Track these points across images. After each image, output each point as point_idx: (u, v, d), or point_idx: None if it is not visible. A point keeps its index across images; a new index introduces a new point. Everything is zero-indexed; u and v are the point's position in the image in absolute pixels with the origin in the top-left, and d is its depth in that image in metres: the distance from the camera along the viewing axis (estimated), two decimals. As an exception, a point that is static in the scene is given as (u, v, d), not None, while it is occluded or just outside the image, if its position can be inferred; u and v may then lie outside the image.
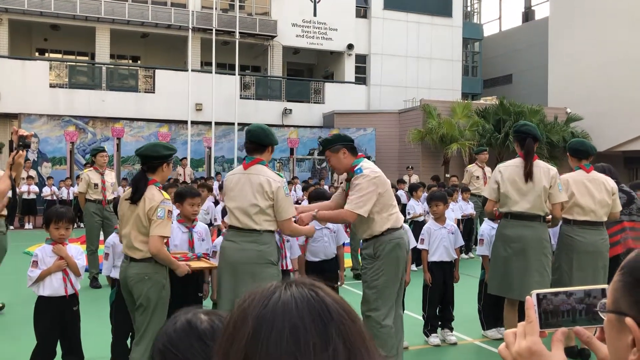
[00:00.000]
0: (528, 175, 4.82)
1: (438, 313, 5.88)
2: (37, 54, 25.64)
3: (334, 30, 26.48)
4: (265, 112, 23.47)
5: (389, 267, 4.24)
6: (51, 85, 21.64)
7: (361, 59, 27.44)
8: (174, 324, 1.19)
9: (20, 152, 3.35)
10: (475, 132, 21.42)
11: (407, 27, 27.90)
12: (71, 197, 15.40)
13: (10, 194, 3.66)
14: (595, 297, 1.04)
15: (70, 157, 18.98)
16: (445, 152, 21.02)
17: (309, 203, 5.72)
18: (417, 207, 9.77)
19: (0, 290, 7.54)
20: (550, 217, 4.98)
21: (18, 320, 6.11)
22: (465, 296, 6.58)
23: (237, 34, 22.45)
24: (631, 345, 0.90)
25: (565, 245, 5.19)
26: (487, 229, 5.91)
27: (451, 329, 5.87)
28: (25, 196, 15.36)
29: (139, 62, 27.20)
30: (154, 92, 22.77)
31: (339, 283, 5.52)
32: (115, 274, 4.62)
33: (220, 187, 11.54)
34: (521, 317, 4.29)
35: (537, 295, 1.05)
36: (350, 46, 26.71)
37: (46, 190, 16.21)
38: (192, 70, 21.40)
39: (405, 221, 4.85)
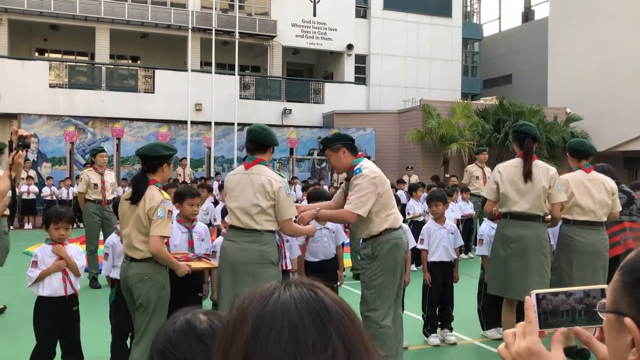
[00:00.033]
0: (527, 175, 4.82)
1: (438, 313, 5.88)
2: (36, 54, 25.63)
3: (333, 31, 26.48)
4: (265, 112, 23.46)
5: (387, 267, 4.24)
6: (51, 86, 21.63)
7: (361, 59, 27.44)
8: (173, 324, 1.19)
9: (20, 152, 3.34)
10: (474, 132, 21.42)
11: (407, 27, 27.89)
12: (71, 197, 15.38)
13: (10, 194, 3.66)
14: (594, 297, 1.04)
15: (70, 157, 18.97)
16: (445, 152, 21.01)
17: (308, 203, 5.72)
18: (417, 207, 9.77)
19: (0, 290, 7.55)
20: (549, 217, 4.99)
21: (18, 320, 6.11)
22: (465, 296, 6.58)
23: (237, 34, 22.46)
24: (630, 346, 0.90)
25: (565, 245, 5.19)
26: (486, 229, 5.90)
27: (451, 329, 5.87)
28: (24, 196, 15.36)
29: (138, 62, 27.18)
30: (153, 92, 22.76)
31: (338, 283, 5.52)
32: (115, 274, 4.62)
33: (220, 187, 11.53)
34: (520, 317, 4.28)
35: (537, 295, 1.05)
36: (349, 46, 26.71)
37: (46, 191, 16.21)
38: (192, 71, 21.40)
39: (404, 221, 4.84)
